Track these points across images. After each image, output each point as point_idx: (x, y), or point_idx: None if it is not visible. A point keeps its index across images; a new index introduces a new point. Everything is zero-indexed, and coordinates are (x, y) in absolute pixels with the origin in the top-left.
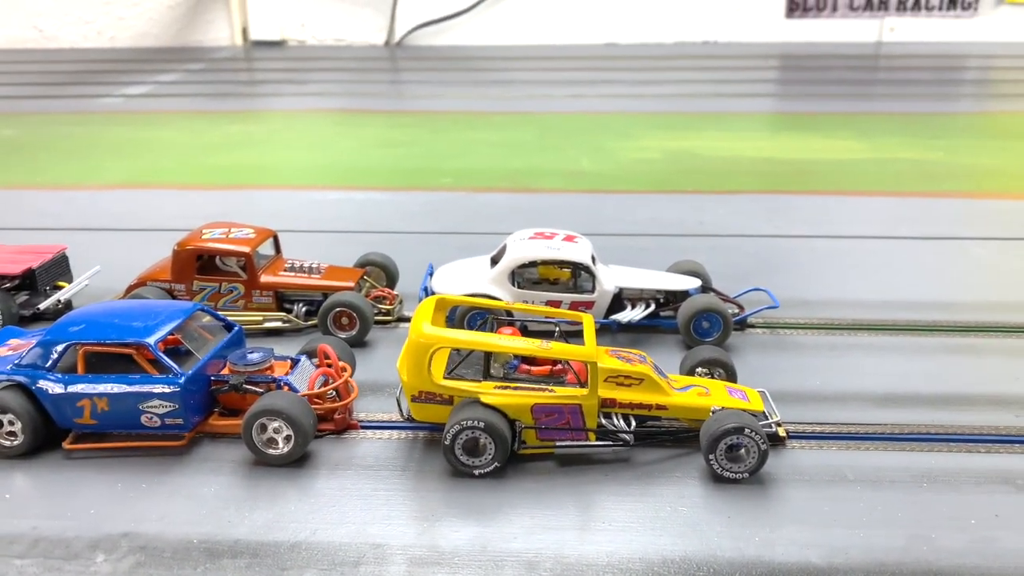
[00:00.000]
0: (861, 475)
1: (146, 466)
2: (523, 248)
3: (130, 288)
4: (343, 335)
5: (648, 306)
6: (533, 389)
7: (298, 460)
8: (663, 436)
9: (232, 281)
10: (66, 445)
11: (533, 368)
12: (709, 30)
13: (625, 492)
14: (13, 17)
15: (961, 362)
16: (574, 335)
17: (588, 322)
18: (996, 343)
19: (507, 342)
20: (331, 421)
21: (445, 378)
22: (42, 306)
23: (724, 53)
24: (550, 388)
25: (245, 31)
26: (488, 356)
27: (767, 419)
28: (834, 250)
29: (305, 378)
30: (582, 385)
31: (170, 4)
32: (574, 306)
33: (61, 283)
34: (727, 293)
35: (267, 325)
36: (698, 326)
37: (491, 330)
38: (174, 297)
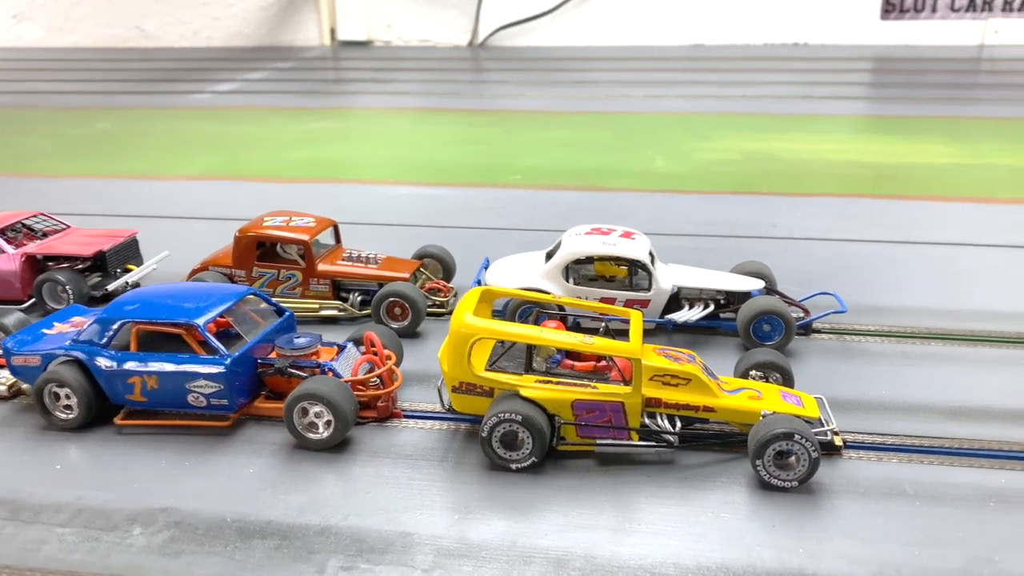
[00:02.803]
0: (922, 490)
1: (191, 444)
2: (578, 243)
3: (193, 272)
4: (395, 325)
5: (707, 306)
6: (575, 385)
7: (338, 445)
8: (710, 439)
9: (290, 269)
10: (117, 420)
11: (577, 364)
12: (799, 32)
13: (665, 495)
14: (118, 18)
15: None
16: (623, 333)
17: (636, 319)
18: None
19: (549, 335)
20: (374, 408)
21: (486, 370)
22: (110, 287)
23: (814, 55)
24: (593, 384)
25: (333, 31)
26: (530, 349)
27: (822, 426)
28: (913, 256)
29: (349, 364)
30: (626, 383)
31: (262, 5)
32: (629, 304)
33: (131, 266)
34: (793, 297)
35: (323, 313)
36: (758, 329)
37: (536, 324)
38: (234, 282)
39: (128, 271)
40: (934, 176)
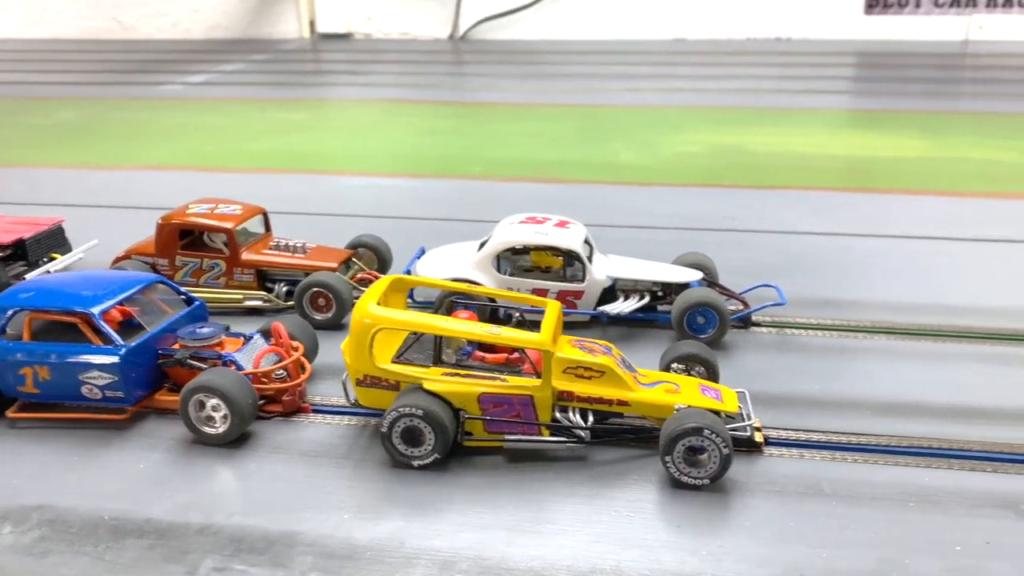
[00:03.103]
0: (841, 489)
1: (85, 439)
2: (509, 232)
3: (116, 261)
4: (320, 317)
5: (642, 298)
6: (484, 377)
7: (238, 440)
8: (624, 435)
9: (214, 258)
10: (10, 413)
11: (489, 356)
12: (782, 27)
13: (572, 493)
14: (95, 10)
15: (988, 372)
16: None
17: (552, 309)
18: None
19: (453, 325)
20: (279, 403)
21: (393, 362)
22: (29, 276)
23: (797, 50)
24: (502, 377)
25: (312, 24)
26: (439, 341)
27: (741, 422)
28: (871, 250)
29: (253, 356)
30: (538, 375)
31: None
32: (562, 295)
33: (55, 255)
34: (736, 290)
35: (247, 304)
36: (692, 321)
37: (447, 313)
38: (157, 272)
39: (53, 259)
40: (903, 170)
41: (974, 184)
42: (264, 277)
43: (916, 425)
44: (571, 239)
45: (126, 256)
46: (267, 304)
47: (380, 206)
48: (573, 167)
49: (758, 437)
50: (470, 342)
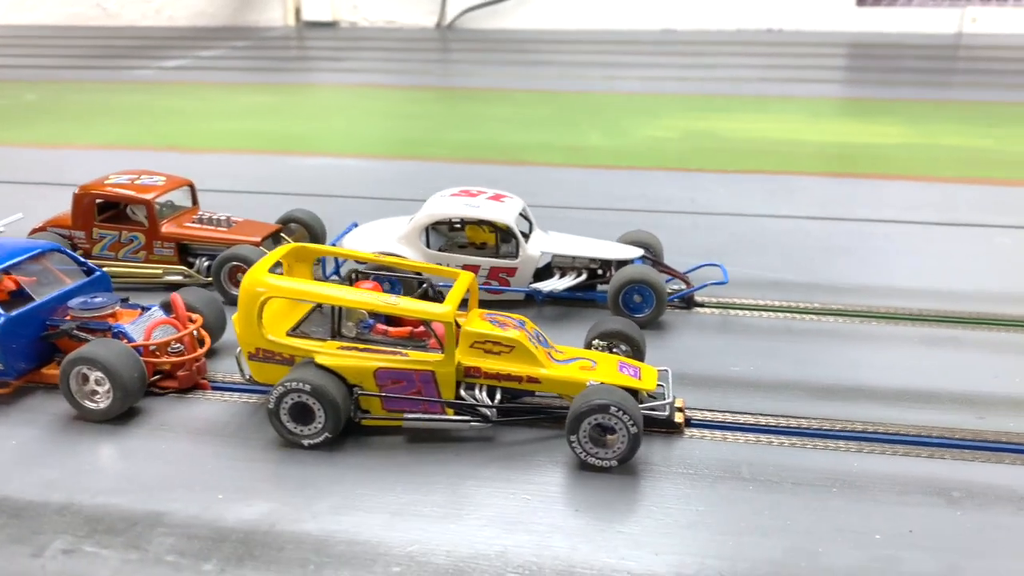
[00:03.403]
0: (761, 473)
1: None
2: (437, 204)
3: (32, 232)
4: (237, 292)
5: (579, 275)
6: (383, 352)
7: (124, 417)
8: (533, 414)
9: (133, 230)
10: None
11: (392, 329)
12: (773, 18)
13: (470, 475)
14: None
15: (937, 355)
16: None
17: (463, 281)
18: (984, 336)
19: (347, 295)
20: (175, 378)
21: (288, 334)
22: None
23: (787, 41)
24: (403, 352)
25: (298, 12)
26: (336, 312)
27: (658, 400)
28: (833, 232)
29: (143, 328)
30: (443, 350)
31: None
32: (494, 272)
33: None
34: (685, 269)
35: (167, 279)
36: (629, 299)
37: (349, 284)
38: (74, 245)
39: None
40: (877, 155)
41: (944, 170)
42: (186, 251)
43: (854, 408)
44: (503, 213)
45: (42, 228)
46: (187, 279)
47: (334, 185)
48: (540, 150)
49: (678, 418)
50: (372, 315)
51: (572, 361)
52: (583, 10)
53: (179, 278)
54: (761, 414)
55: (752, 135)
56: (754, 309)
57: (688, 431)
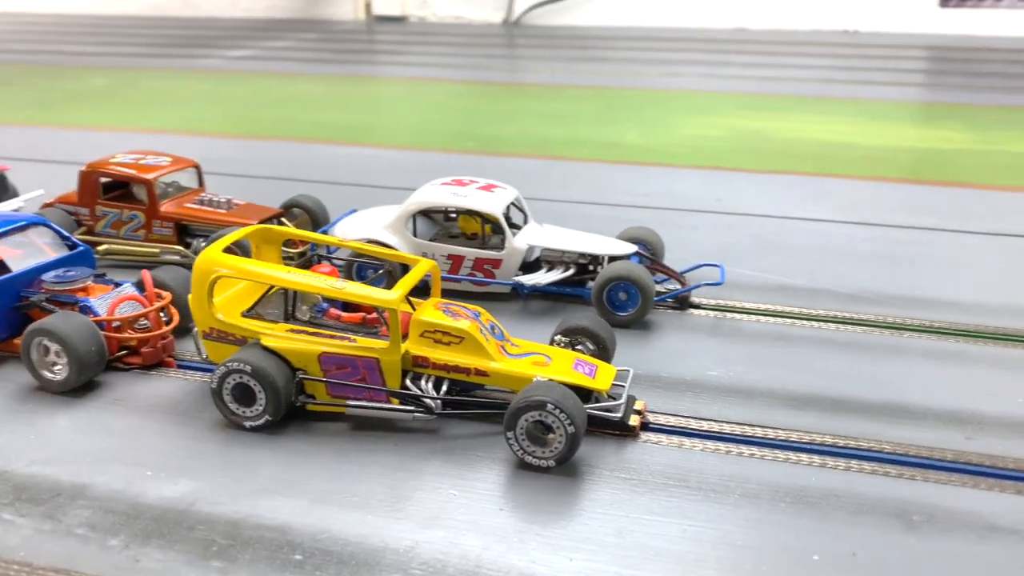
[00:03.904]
0: (709, 483)
1: None
2: (424, 193)
3: (43, 207)
4: None
5: (567, 269)
6: (331, 337)
7: (83, 389)
8: (478, 408)
9: (133, 209)
10: None
11: (345, 315)
12: (850, 19)
13: (404, 467)
14: None
15: (939, 369)
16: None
17: (420, 268)
18: (993, 351)
19: (294, 277)
20: (139, 354)
21: (243, 315)
22: None
23: (863, 43)
24: (351, 338)
25: (368, 6)
26: (290, 295)
27: (609, 401)
28: (856, 238)
29: (109, 303)
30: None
31: None
32: (478, 263)
33: None
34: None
35: (165, 258)
36: (614, 297)
37: (306, 267)
38: (79, 222)
39: None
40: (926, 160)
41: (996, 177)
42: (186, 231)
43: (833, 422)
44: (491, 203)
45: (52, 204)
46: (185, 259)
47: (361, 174)
48: (573, 145)
49: (633, 420)
50: (327, 299)
51: (526, 356)
52: (654, 7)
53: (176, 257)
54: (727, 421)
55: (800, 136)
56: (752, 313)
57: (644, 435)
